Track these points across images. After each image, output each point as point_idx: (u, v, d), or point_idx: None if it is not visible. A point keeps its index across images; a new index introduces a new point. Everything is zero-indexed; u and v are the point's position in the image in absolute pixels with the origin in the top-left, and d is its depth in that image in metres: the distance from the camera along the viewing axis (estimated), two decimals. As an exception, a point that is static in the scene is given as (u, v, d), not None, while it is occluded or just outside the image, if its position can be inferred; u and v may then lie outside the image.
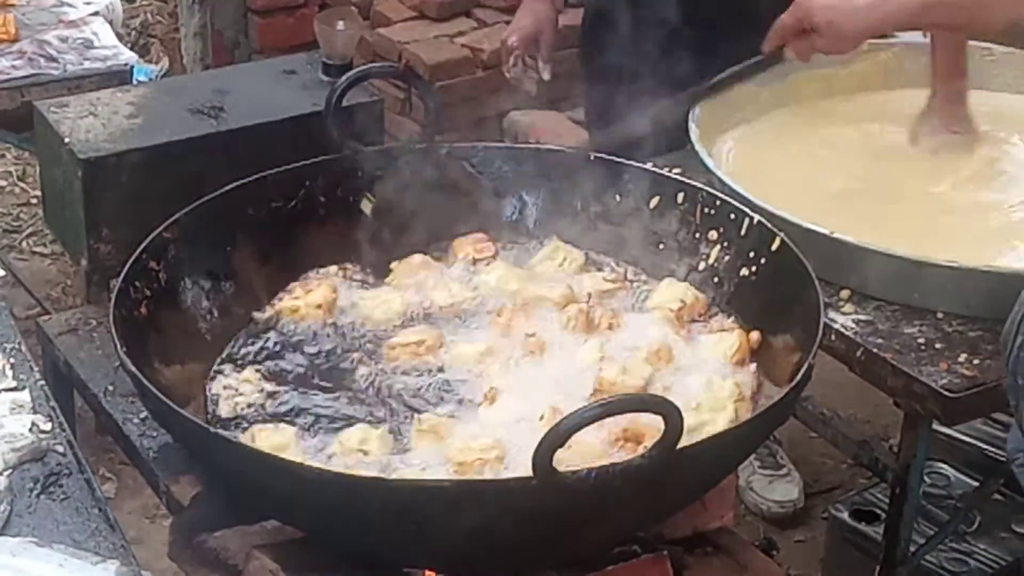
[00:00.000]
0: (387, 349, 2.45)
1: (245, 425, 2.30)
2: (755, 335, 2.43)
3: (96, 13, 4.18)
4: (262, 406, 2.35)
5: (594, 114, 3.83)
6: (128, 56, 4.00)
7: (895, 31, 2.60)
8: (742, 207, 2.57)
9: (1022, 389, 2.27)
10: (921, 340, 2.66)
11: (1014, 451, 2.42)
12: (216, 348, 2.48)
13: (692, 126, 3.01)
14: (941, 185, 3.07)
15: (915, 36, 4.23)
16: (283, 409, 2.34)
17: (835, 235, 2.72)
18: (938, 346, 2.65)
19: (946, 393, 2.55)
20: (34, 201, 5.19)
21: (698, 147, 2.96)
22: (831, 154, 3.17)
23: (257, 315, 2.52)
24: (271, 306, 2.54)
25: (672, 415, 1.93)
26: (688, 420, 1.98)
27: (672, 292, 2.53)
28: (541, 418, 2.22)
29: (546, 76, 3.70)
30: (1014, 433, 2.41)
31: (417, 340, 2.44)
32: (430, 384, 2.38)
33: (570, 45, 5.14)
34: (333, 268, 2.63)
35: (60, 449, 2.23)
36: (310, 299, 2.53)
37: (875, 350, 2.64)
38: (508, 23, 5.19)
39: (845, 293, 2.76)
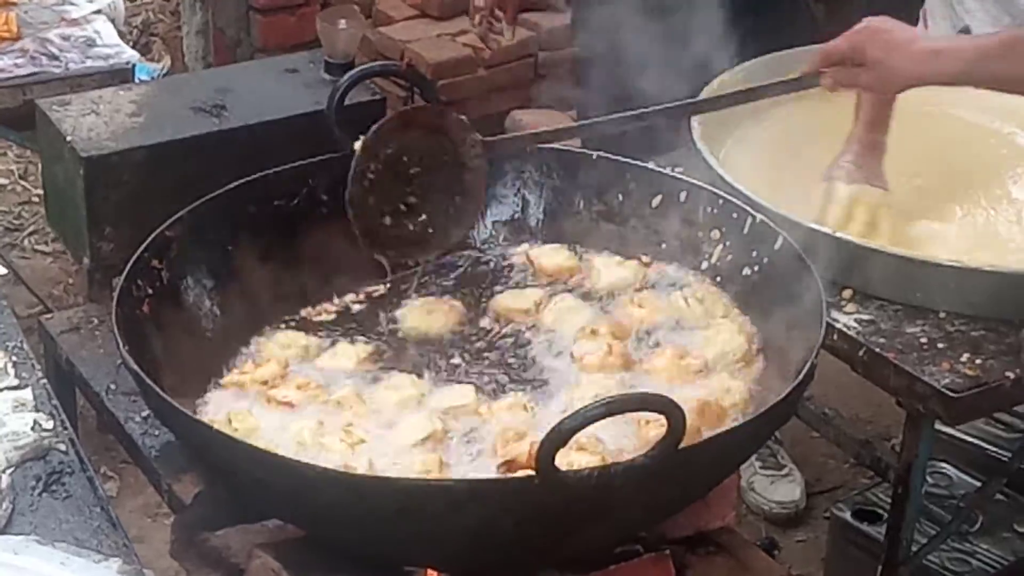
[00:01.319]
0: None
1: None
2: None
3: (98, 11, 4.19)
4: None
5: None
6: (130, 54, 4.01)
7: (943, 83, 2.47)
8: (744, 206, 2.57)
9: None
10: (924, 340, 2.66)
11: None
12: (218, 347, 2.47)
13: (694, 124, 3.01)
14: (947, 182, 3.07)
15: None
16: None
17: (838, 234, 2.71)
18: (940, 346, 2.65)
19: (948, 393, 2.55)
20: (36, 199, 5.19)
21: (700, 145, 2.96)
22: (834, 153, 3.16)
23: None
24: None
25: (674, 414, 1.93)
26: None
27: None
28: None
29: (507, 37, 3.79)
30: None
31: None
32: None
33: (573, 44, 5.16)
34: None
35: (62, 447, 2.23)
36: (257, 374, 2.43)
37: (877, 350, 2.64)
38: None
39: (847, 292, 2.76)
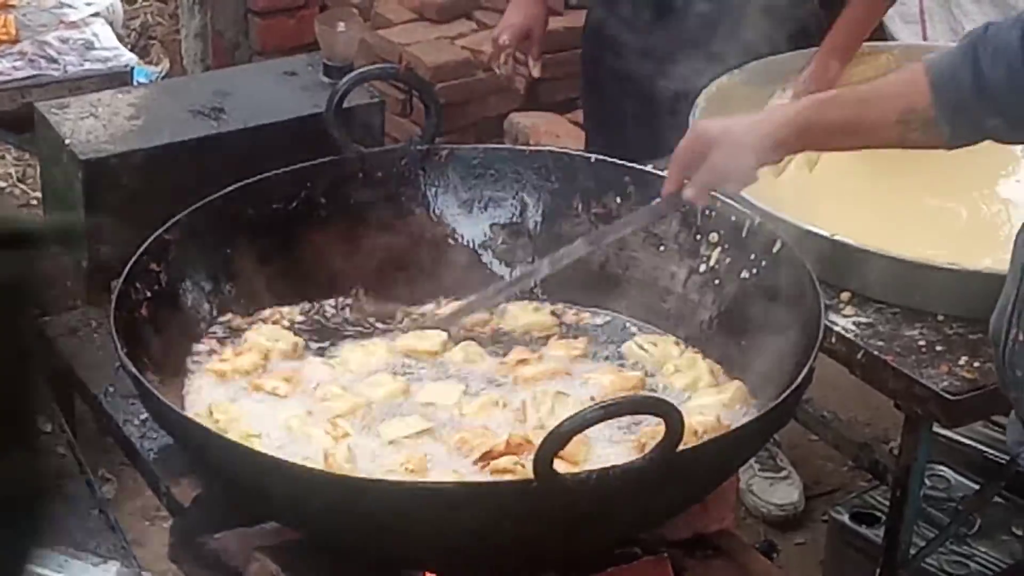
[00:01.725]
0: None
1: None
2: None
3: (97, 14, 4.19)
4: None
5: (593, 120, 3.84)
6: (128, 57, 4.01)
7: (791, 140, 2.44)
8: (743, 209, 2.57)
9: (1021, 382, 2.26)
10: (922, 342, 2.66)
11: (1015, 444, 2.41)
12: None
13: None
14: (943, 188, 3.07)
15: (913, 39, 4.25)
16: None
17: (836, 237, 2.72)
18: (939, 348, 2.65)
19: (947, 395, 2.55)
20: (34, 202, 5.18)
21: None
22: (831, 156, 3.16)
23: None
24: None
25: (672, 417, 1.93)
26: None
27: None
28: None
29: (536, 73, 3.73)
30: (1013, 426, 2.40)
31: None
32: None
33: (572, 47, 5.16)
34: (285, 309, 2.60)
35: (61, 450, 2.23)
36: (238, 363, 2.45)
37: (876, 352, 2.64)
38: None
39: (846, 295, 2.76)
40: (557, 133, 5.02)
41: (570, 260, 2.54)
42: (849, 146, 2.45)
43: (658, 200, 2.48)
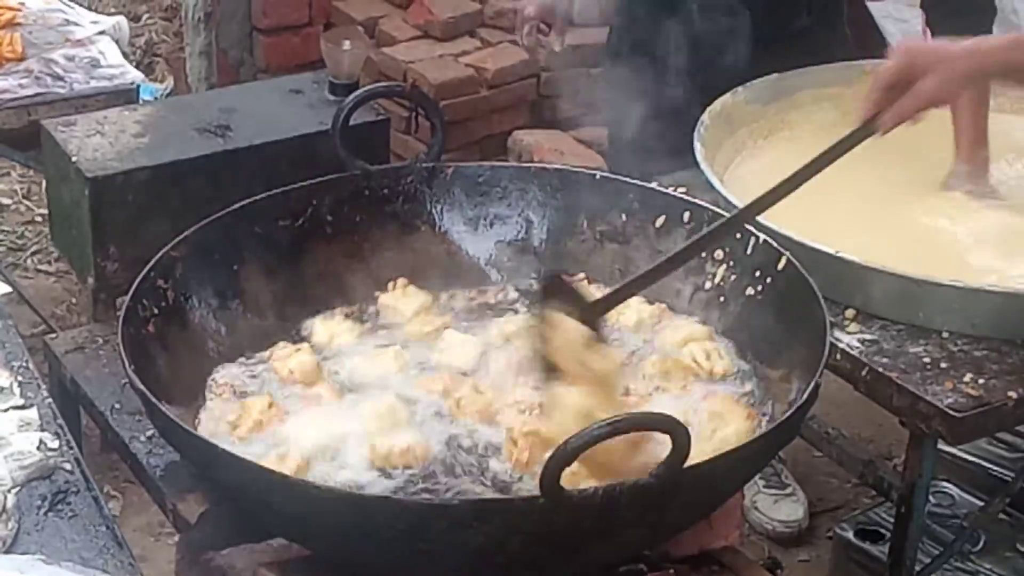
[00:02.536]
0: None
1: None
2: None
3: (102, 32, 4.20)
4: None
5: (618, 131, 3.87)
6: (134, 75, 4.02)
7: (996, 73, 2.46)
8: (747, 226, 2.57)
9: None
10: (926, 359, 2.67)
11: None
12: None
13: (698, 145, 3.02)
14: (949, 207, 3.07)
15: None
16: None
17: (840, 254, 2.72)
18: (943, 365, 2.65)
19: (951, 412, 2.55)
20: (39, 219, 5.20)
21: (704, 166, 2.97)
22: (837, 173, 3.16)
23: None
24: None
25: (679, 434, 1.94)
26: None
27: None
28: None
29: (557, 47, 3.79)
30: None
31: None
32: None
33: (576, 65, 5.19)
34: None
35: (68, 467, 2.24)
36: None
37: (880, 369, 2.65)
38: (512, 43, 5.27)
39: (850, 312, 2.76)
40: (561, 150, 5.03)
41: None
42: None
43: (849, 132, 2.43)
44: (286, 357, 2.48)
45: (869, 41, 4.30)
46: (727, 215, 2.58)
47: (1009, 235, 2.96)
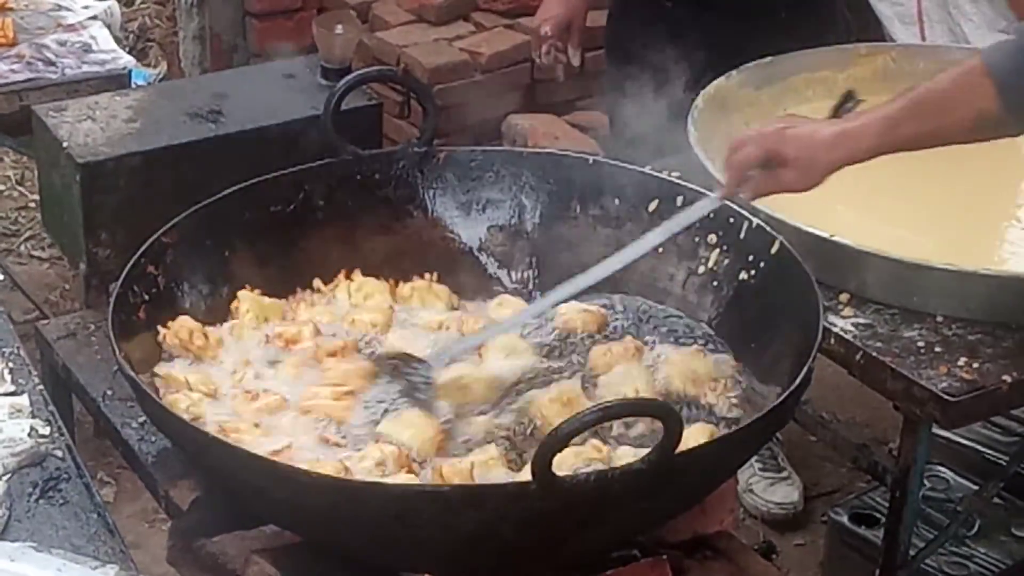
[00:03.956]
0: None
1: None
2: None
3: (94, 17, 4.18)
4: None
5: (618, 115, 3.87)
6: (126, 60, 4.00)
7: (866, 157, 2.50)
8: (741, 210, 2.57)
9: None
10: (921, 343, 2.66)
11: None
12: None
13: (691, 129, 3.01)
14: (942, 186, 3.07)
15: (911, 40, 4.25)
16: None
17: (834, 238, 2.72)
18: (937, 349, 2.65)
19: (945, 397, 2.55)
20: (32, 205, 5.18)
21: (697, 150, 2.96)
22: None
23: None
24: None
25: (671, 419, 1.93)
26: None
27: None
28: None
29: (576, 62, 3.78)
30: None
31: None
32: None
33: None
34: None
35: (59, 454, 2.23)
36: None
37: (874, 354, 2.64)
38: (507, 27, 5.25)
39: (844, 296, 2.76)
40: (555, 135, 5.02)
41: (616, 268, 2.49)
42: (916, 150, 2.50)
43: (711, 197, 2.50)
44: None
45: (866, 24, 4.29)
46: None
47: None
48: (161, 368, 2.38)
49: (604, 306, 2.58)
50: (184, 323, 2.43)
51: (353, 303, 2.58)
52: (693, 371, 2.42)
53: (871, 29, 4.32)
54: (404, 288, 2.64)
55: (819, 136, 2.41)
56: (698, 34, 3.44)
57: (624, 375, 2.40)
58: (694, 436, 2.20)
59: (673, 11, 3.58)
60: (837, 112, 2.55)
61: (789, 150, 2.40)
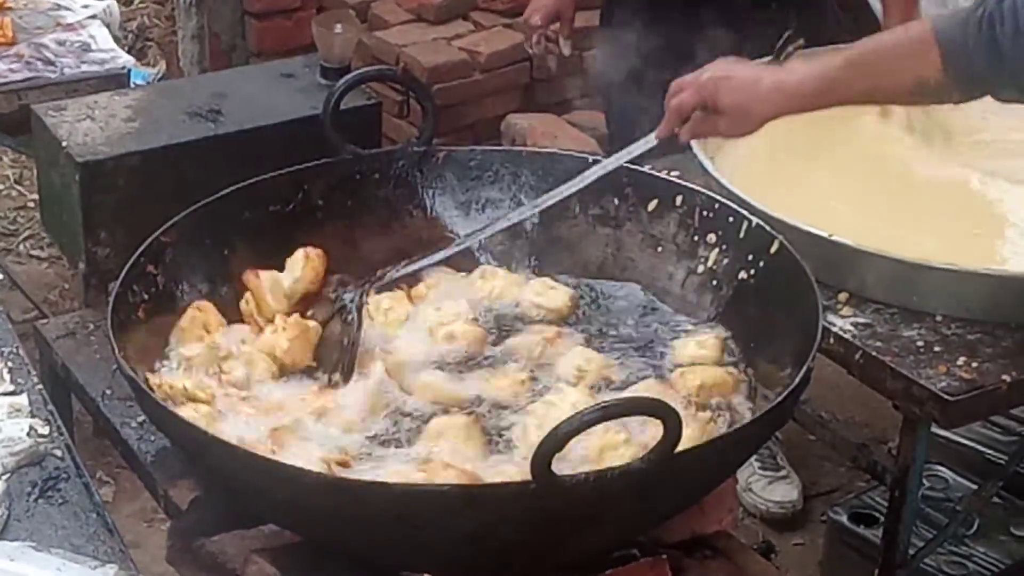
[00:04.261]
0: None
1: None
2: None
3: (93, 16, 4.18)
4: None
5: (612, 107, 3.88)
6: (125, 59, 4.00)
7: (801, 111, 2.52)
8: (740, 210, 2.57)
9: None
10: (920, 343, 2.66)
11: None
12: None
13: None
14: (942, 185, 3.07)
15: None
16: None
17: (833, 238, 2.72)
18: (937, 349, 2.65)
19: (945, 396, 2.55)
20: (31, 204, 5.18)
21: (696, 149, 2.96)
22: (829, 155, 3.16)
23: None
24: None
25: (671, 419, 1.93)
26: None
27: None
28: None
29: (566, 52, 3.82)
30: None
31: None
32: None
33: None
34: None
35: (58, 453, 2.23)
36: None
37: (874, 353, 2.64)
38: (506, 26, 5.25)
39: (844, 296, 2.76)
40: (555, 134, 5.02)
41: (549, 204, 2.59)
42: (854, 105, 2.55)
43: (648, 137, 2.54)
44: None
45: (862, 21, 4.29)
46: (718, 197, 2.58)
47: None
48: (157, 377, 2.37)
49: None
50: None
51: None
52: None
53: (867, 28, 4.31)
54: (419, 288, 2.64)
55: (755, 89, 2.44)
56: (688, 31, 3.46)
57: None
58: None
59: (663, 9, 3.59)
60: (778, 55, 2.59)
61: (725, 99, 2.44)
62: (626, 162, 2.59)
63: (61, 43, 4.00)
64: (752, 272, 2.51)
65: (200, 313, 2.46)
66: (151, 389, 2.24)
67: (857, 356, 2.66)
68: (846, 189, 3.05)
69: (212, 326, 2.46)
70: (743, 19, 3.47)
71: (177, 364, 2.39)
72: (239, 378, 2.37)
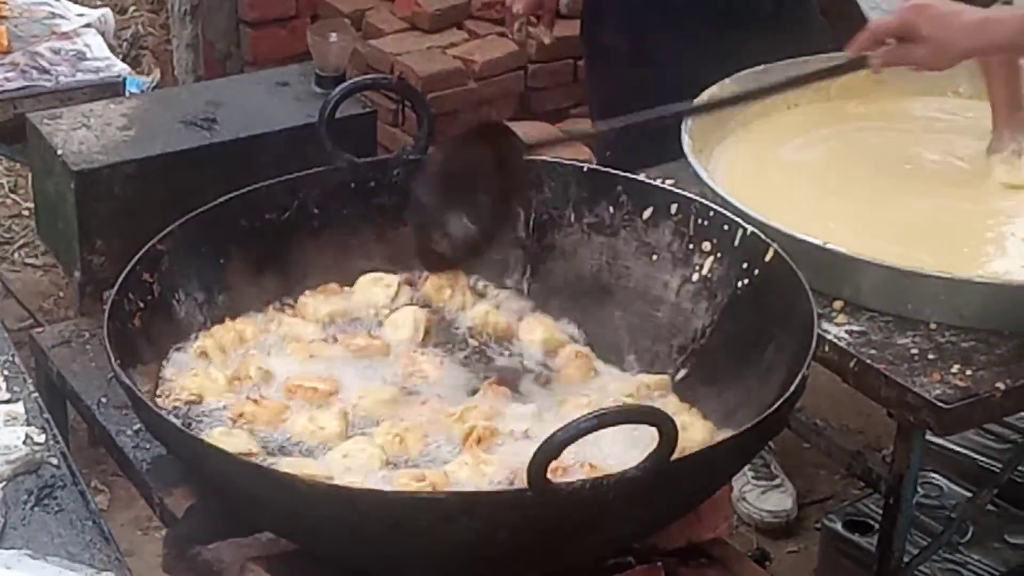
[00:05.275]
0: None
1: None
2: None
3: (88, 25, 4.19)
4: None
5: (596, 103, 3.89)
6: (121, 68, 4.01)
7: (997, 53, 2.49)
8: (735, 218, 2.57)
9: None
10: (914, 351, 2.67)
11: None
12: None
13: (685, 136, 3.01)
14: (939, 191, 3.08)
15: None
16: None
17: (828, 246, 2.72)
18: (931, 357, 2.65)
19: (939, 404, 2.55)
20: (26, 213, 5.18)
21: (691, 157, 2.96)
22: (824, 163, 3.17)
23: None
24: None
25: (666, 426, 1.94)
26: None
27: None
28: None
29: (547, 40, 3.86)
30: None
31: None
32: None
33: (563, 57, 5.19)
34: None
35: (54, 461, 2.23)
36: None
37: (868, 361, 2.65)
38: (500, 35, 5.26)
39: (838, 304, 2.76)
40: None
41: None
42: None
43: (839, 62, 2.58)
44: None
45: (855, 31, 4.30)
46: (713, 205, 2.59)
47: None
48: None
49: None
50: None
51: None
52: None
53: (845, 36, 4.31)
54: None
55: (959, 20, 2.44)
56: (673, 41, 3.47)
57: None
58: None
59: (646, 18, 3.61)
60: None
61: (925, 27, 2.43)
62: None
63: (56, 52, 4.00)
64: (747, 280, 2.52)
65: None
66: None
67: (852, 364, 2.66)
68: (842, 195, 3.05)
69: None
70: (731, 29, 3.48)
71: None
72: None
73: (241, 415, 2.33)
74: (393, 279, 2.64)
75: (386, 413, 2.36)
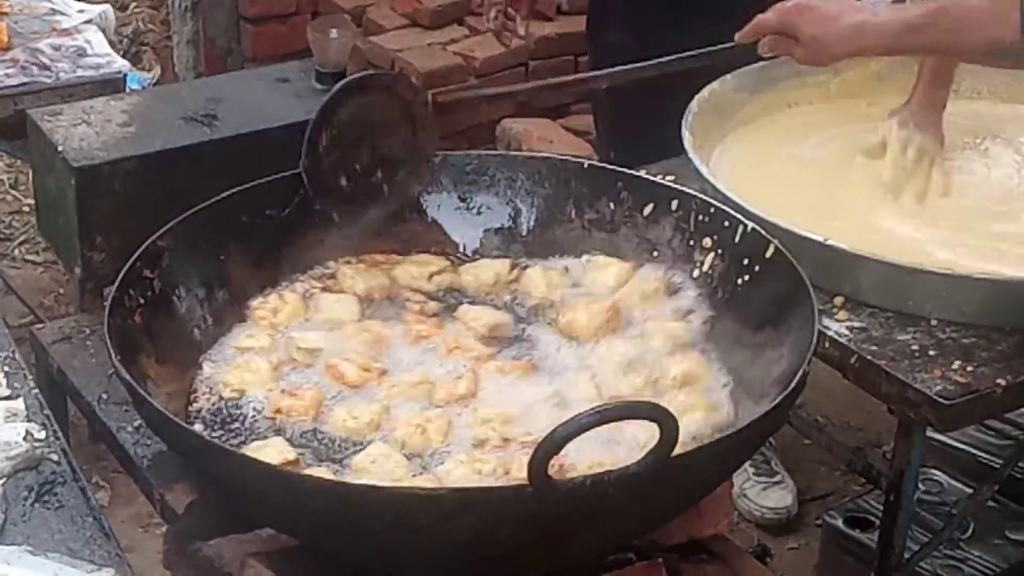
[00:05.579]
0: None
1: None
2: None
3: (89, 21, 4.19)
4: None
5: (600, 100, 3.89)
6: (121, 64, 4.01)
7: (875, 55, 2.55)
8: (736, 214, 2.57)
9: None
10: (915, 347, 2.67)
11: None
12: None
13: (686, 133, 3.01)
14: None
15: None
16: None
17: (829, 242, 2.72)
18: (932, 353, 2.65)
19: (940, 400, 2.55)
20: (27, 209, 5.18)
21: (692, 154, 2.96)
22: (824, 161, 3.17)
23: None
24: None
25: (667, 422, 1.94)
26: None
27: None
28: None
29: (521, 32, 3.88)
30: None
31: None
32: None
33: (563, 53, 5.18)
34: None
35: (55, 458, 2.23)
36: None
37: (869, 357, 2.65)
38: (501, 31, 5.25)
39: (839, 300, 2.76)
40: (550, 139, 5.03)
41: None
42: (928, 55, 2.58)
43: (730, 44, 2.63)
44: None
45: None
46: (713, 202, 2.59)
47: None
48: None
49: None
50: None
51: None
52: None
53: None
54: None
55: (836, 24, 2.49)
56: (675, 37, 3.47)
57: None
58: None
59: (652, 15, 3.61)
60: None
61: (805, 29, 2.50)
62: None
63: (57, 48, 4.00)
64: (748, 277, 2.52)
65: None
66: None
67: (852, 360, 2.66)
68: (842, 192, 3.05)
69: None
70: (733, 25, 3.47)
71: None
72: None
73: (279, 410, 2.33)
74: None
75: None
